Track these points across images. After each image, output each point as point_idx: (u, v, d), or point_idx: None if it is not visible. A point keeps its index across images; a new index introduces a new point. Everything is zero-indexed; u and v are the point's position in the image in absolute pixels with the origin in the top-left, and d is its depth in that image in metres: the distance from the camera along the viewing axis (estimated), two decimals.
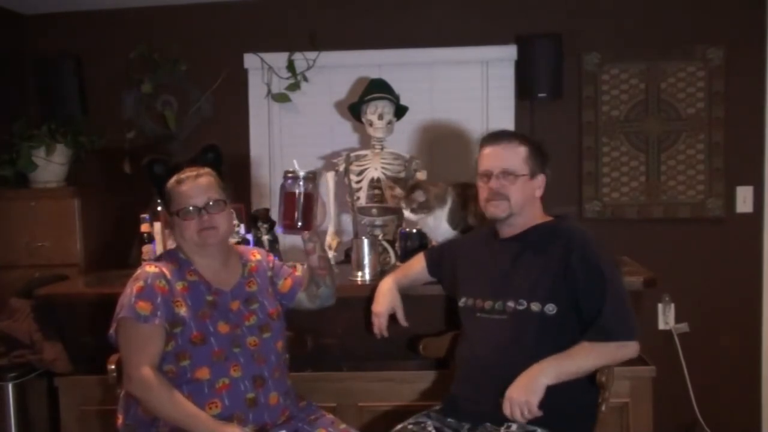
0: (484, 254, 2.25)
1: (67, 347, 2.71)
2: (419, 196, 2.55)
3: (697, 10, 3.61)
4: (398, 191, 2.67)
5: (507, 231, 2.21)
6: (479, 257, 2.26)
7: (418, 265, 2.49)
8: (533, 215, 2.20)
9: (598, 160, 3.68)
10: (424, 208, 2.54)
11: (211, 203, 2.10)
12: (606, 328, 2.00)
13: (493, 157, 2.18)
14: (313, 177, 2.10)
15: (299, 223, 2.08)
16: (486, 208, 2.20)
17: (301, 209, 2.07)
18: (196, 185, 2.10)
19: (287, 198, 2.08)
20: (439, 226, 2.56)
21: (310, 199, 2.09)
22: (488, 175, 2.17)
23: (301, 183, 2.07)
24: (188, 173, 2.13)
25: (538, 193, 2.20)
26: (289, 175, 2.10)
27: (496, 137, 2.21)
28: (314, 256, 2.22)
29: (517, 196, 2.15)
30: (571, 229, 2.16)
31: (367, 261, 2.58)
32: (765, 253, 3.64)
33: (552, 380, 1.97)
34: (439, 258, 2.43)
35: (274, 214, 2.97)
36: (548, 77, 3.55)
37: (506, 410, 1.97)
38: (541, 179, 2.20)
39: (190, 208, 2.08)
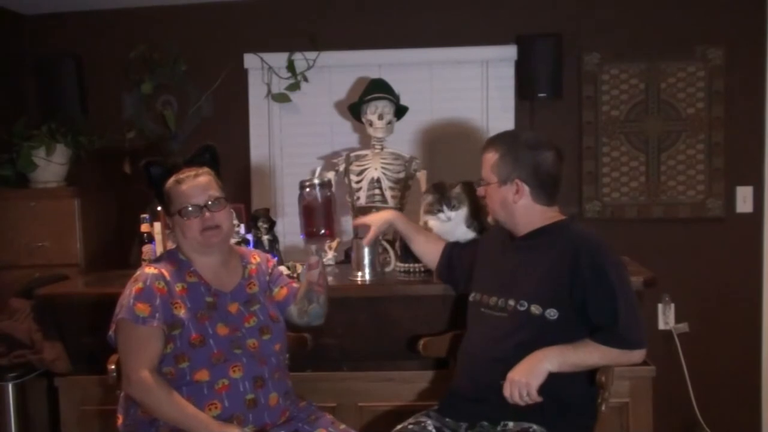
0: (497, 252, 2.26)
1: (67, 347, 2.71)
2: (457, 188, 2.53)
3: (697, 10, 3.61)
4: (430, 198, 2.57)
5: (515, 231, 2.21)
6: (493, 254, 2.27)
7: (432, 244, 2.50)
8: (532, 218, 2.17)
9: (598, 160, 3.68)
10: (462, 201, 2.51)
11: (212, 201, 2.10)
12: (617, 335, 2.00)
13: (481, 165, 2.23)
14: (329, 183, 2.12)
15: (322, 231, 2.09)
16: None
17: (322, 216, 2.08)
18: (196, 184, 2.10)
19: (306, 207, 2.09)
20: (457, 226, 2.53)
21: (329, 205, 2.10)
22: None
23: (318, 190, 2.08)
24: (187, 173, 2.12)
25: (516, 199, 2.14)
26: (306, 183, 2.10)
27: (485, 144, 2.25)
28: (316, 270, 2.19)
29: (489, 202, 2.21)
30: (579, 232, 2.15)
31: (367, 261, 2.58)
32: (765, 253, 3.64)
33: (554, 367, 1.98)
34: (457, 261, 2.43)
35: (276, 216, 2.99)
36: (548, 77, 3.55)
37: (506, 392, 1.98)
38: (514, 185, 2.14)
39: (191, 207, 2.08)
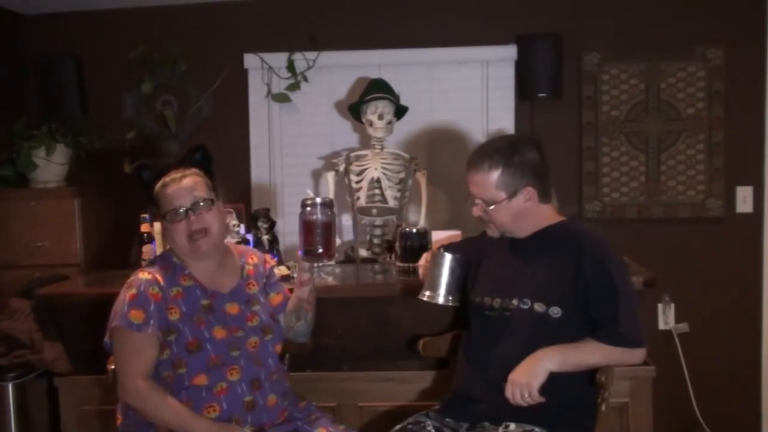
0: (497, 254, 2.24)
1: (67, 347, 2.71)
2: None
3: (697, 10, 3.61)
4: None
5: (520, 235, 2.19)
6: (493, 257, 2.25)
7: None
8: (538, 220, 2.16)
9: (598, 160, 3.68)
10: None
11: (199, 203, 2.06)
12: (618, 333, 2.00)
13: (471, 185, 2.16)
14: (330, 204, 2.08)
15: (319, 249, 2.05)
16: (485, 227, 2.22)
17: (321, 235, 2.04)
18: (181, 187, 2.07)
19: (306, 224, 2.06)
20: None
21: (329, 226, 2.06)
22: (472, 199, 2.17)
23: (319, 209, 2.05)
24: (173, 175, 2.09)
25: (528, 205, 2.12)
26: (308, 202, 2.07)
27: (470, 163, 2.16)
28: (306, 288, 2.15)
29: (499, 219, 2.14)
30: (583, 231, 2.15)
31: None
32: (765, 253, 3.64)
33: (555, 367, 1.98)
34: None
35: (276, 216, 2.99)
36: (548, 77, 3.55)
37: (507, 393, 1.98)
38: (525, 193, 2.11)
39: (179, 210, 2.05)
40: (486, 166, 2.11)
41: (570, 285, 2.04)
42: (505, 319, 2.10)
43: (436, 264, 2.27)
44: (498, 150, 2.14)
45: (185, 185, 2.07)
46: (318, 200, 2.06)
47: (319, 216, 2.05)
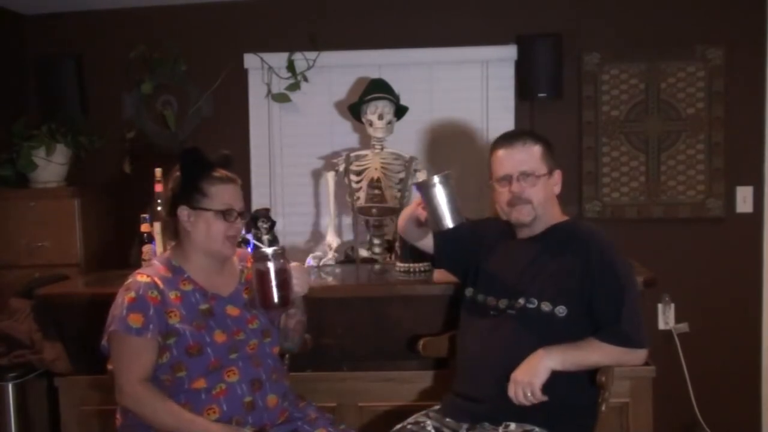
0: (503, 252, 2.24)
1: (67, 347, 2.71)
2: None
3: (697, 10, 3.61)
4: None
5: (525, 232, 2.20)
6: (498, 254, 2.24)
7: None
8: (552, 214, 2.19)
9: (598, 160, 3.68)
10: None
11: (245, 212, 2.11)
12: (620, 333, 2.01)
13: (509, 160, 2.15)
14: (281, 253, 2.04)
15: (276, 301, 2.03)
16: (509, 214, 2.18)
17: (276, 286, 2.01)
18: (238, 190, 2.10)
19: (260, 277, 2.03)
20: None
21: (284, 274, 2.03)
22: (508, 179, 2.14)
23: (271, 261, 2.01)
24: (230, 176, 2.10)
25: (557, 189, 2.20)
26: (258, 255, 2.04)
27: (509, 138, 2.19)
28: (293, 320, 2.18)
29: (539, 197, 2.14)
30: (589, 231, 2.17)
31: None
32: (765, 253, 3.64)
33: (557, 365, 1.98)
34: (452, 243, 2.33)
35: (276, 216, 2.98)
36: (548, 77, 3.55)
37: (510, 392, 1.99)
38: (558, 175, 2.20)
39: (235, 212, 2.06)
40: (530, 139, 2.18)
41: (577, 284, 2.05)
42: (509, 317, 2.10)
43: (432, 196, 2.10)
44: (529, 132, 2.28)
45: (240, 192, 2.11)
46: (269, 251, 2.02)
47: (272, 267, 2.01)
